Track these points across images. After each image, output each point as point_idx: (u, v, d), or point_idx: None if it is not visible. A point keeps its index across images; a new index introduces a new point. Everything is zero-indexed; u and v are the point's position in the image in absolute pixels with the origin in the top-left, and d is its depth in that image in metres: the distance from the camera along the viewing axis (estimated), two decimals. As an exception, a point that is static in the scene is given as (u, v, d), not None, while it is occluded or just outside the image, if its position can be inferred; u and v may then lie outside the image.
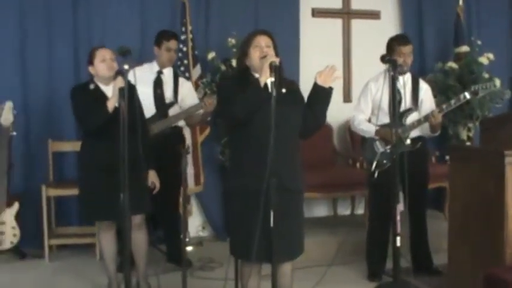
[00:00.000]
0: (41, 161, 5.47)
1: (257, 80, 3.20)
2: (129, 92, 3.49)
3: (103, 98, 3.95)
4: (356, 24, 6.54)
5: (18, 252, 5.19)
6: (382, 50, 4.45)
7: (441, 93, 5.90)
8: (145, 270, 4.21)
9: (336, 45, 6.47)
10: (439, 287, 4.42)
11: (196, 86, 5.41)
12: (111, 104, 3.85)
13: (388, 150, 4.48)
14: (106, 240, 4.18)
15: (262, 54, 3.25)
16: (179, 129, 4.97)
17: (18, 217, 5.09)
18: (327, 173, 5.86)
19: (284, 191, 3.17)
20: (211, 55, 5.61)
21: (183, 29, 5.50)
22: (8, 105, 5.00)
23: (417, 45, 6.26)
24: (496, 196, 3.63)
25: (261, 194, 3.03)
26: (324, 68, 3.32)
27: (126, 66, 3.37)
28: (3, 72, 5.41)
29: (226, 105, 3.27)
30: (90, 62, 4.05)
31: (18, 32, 5.44)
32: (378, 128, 4.52)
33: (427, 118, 4.47)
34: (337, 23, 6.52)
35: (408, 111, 4.55)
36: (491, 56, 6.12)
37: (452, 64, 6.16)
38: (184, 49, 5.45)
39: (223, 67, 5.46)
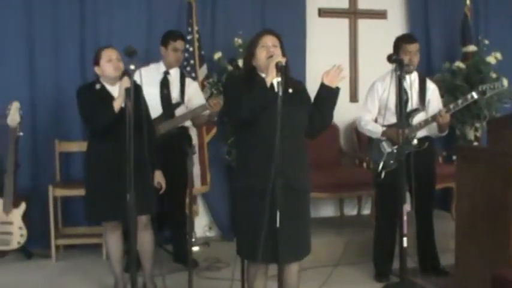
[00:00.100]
0: (47, 161, 5.48)
1: (263, 80, 3.20)
2: (135, 92, 3.49)
3: (109, 98, 3.95)
4: (362, 24, 6.52)
5: (25, 252, 5.20)
6: (389, 50, 4.44)
7: (448, 93, 5.88)
8: (151, 271, 4.21)
9: (342, 45, 6.46)
10: (446, 287, 4.40)
11: (203, 86, 5.41)
12: (117, 104, 3.85)
13: (395, 151, 4.47)
14: (112, 241, 4.18)
15: (268, 54, 3.25)
16: (185, 130, 4.97)
17: (25, 217, 5.10)
18: (334, 173, 5.84)
19: (290, 191, 3.17)
20: (217, 55, 5.61)
21: (190, 29, 5.50)
22: (15, 105, 5.02)
23: (424, 44, 6.24)
24: (503, 196, 3.61)
25: (267, 194, 3.03)
26: (331, 67, 3.32)
27: (132, 67, 3.37)
28: (11, 73, 5.42)
29: (233, 105, 3.27)
30: (96, 62, 4.06)
31: (26, 32, 5.46)
32: (384, 129, 4.52)
33: (434, 118, 4.45)
34: (344, 22, 6.50)
35: (415, 111, 4.53)
36: (498, 55, 6.09)
37: (459, 64, 6.14)
38: (191, 49, 5.45)
39: (229, 67, 5.47)
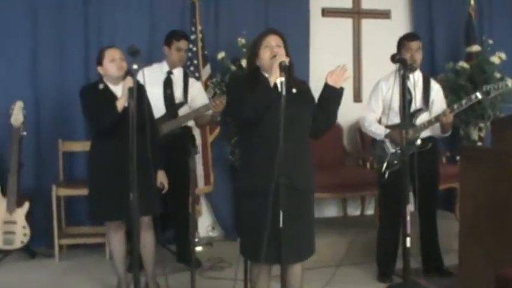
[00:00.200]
0: (51, 160, 5.48)
1: (267, 80, 3.20)
2: (138, 92, 3.49)
3: (112, 98, 3.95)
4: (366, 23, 6.52)
5: (29, 251, 5.21)
6: (393, 50, 4.44)
7: (452, 93, 5.87)
8: (153, 270, 4.21)
9: (346, 45, 6.45)
10: (450, 287, 4.38)
11: (206, 86, 5.40)
12: (121, 104, 3.85)
13: (399, 151, 4.45)
14: (116, 241, 4.18)
15: (272, 54, 3.24)
16: (189, 129, 4.96)
17: (28, 217, 5.11)
18: (337, 174, 5.84)
19: (294, 191, 3.17)
20: (221, 55, 5.61)
21: (193, 29, 5.49)
22: (18, 105, 5.03)
23: (428, 44, 6.25)
24: (507, 196, 3.61)
25: (270, 194, 3.02)
26: (335, 68, 3.31)
27: (135, 66, 3.36)
28: (14, 73, 5.43)
29: (236, 105, 3.26)
30: (99, 62, 4.05)
31: (29, 32, 5.46)
32: (387, 131, 4.50)
33: (438, 118, 4.44)
34: (347, 22, 6.50)
35: (418, 111, 4.52)
36: (503, 55, 6.08)
37: (463, 64, 6.12)
38: (194, 49, 5.44)
39: (233, 67, 5.47)
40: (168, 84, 4.90)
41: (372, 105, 4.68)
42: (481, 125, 6.11)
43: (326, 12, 6.40)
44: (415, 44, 4.52)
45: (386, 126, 4.53)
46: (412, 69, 4.42)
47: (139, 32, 5.59)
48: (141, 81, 3.81)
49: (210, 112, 4.82)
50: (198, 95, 4.99)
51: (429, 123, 4.49)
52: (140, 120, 3.40)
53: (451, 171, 5.42)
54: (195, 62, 5.45)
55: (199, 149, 5.26)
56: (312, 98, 3.42)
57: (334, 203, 6.44)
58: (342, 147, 6.37)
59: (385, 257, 4.67)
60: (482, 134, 6.14)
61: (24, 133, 5.10)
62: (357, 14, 6.51)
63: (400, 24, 6.49)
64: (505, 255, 3.60)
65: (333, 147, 6.15)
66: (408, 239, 3.94)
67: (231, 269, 4.70)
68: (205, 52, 5.55)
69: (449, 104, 4.71)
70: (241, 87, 3.31)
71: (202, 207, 5.87)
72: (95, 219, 4.76)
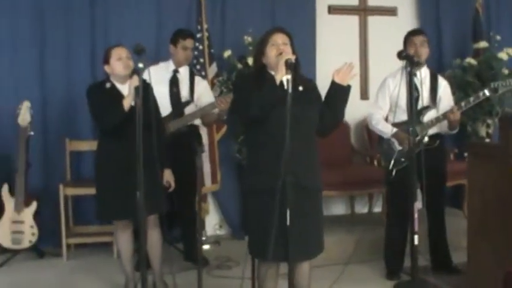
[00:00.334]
0: (58, 160, 5.49)
1: (273, 78, 3.20)
2: (145, 91, 3.49)
3: (119, 96, 3.95)
4: (373, 20, 6.50)
5: (37, 251, 5.22)
6: (399, 47, 4.42)
7: (460, 89, 5.85)
8: (160, 269, 4.21)
9: (352, 42, 6.44)
10: (458, 285, 4.36)
11: (213, 85, 5.40)
12: (127, 103, 3.85)
13: (406, 149, 4.44)
14: (123, 240, 4.18)
15: (278, 52, 3.23)
16: (195, 128, 4.96)
17: (36, 216, 5.12)
18: (344, 171, 5.83)
19: (301, 189, 3.15)
20: (227, 53, 5.61)
21: (199, 27, 5.49)
22: (26, 105, 5.04)
23: (435, 41, 6.23)
24: (515, 193, 3.59)
25: (277, 192, 3.02)
26: (342, 65, 3.30)
27: (140, 65, 3.37)
28: (21, 72, 5.44)
29: (243, 103, 3.25)
30: (106, 61, 4.05)
31: (36, 31, 5.47)
32: (394, 131, 4.49)
33: (445, 116, 4.43)
34: (354, 19, 6.48)
35: (426, 108, 4.50)
36: (510, 51, 6.04)
37: (470, 60, 6.09)
38: (200, 47, 5.43)
39: (239, 65, 5.46)
40: (174, 82, 4.90)
41: (379, 103, 4.67)
42: (489, 121, 6.08)
43: (332, 10, 6.38)
44: (419, 39, 4.51)
45: (393, 124, 4.52)
46: (419, 66, 4.40)
47: (145, 31, 5.59)
48: (148, 80, 3.82)
49: (216, 110, 4.81)
50: (204, 94, 4.98)
51: (437, 121, 4.47)
52: (147, 119, 3.41)
53: (459, 167, 5.40)
54: (202, 60, 5.44)
55: (206, 147, 5.27)
56: (319, 95, 3.41)
57: (342, 200, 6.44)
58: (349, 144, 6.35)
59: (393, 255, 4.65)
60: (490, 131, 6.12)
61: (32, 133, 5.10)
62: (363, 11, 6.49)
63: (406, 21, 6.46)
64: (514, 252, 3.59)
65: (340, 145, 6.14)
66: (416, 237, 3.94)
67: (238, 267, 4.70)
68: (212, 50, 5.54)
69: (457, 101, 4.69)
70: (247, 85, 3.30)
71: (210, 206, 5.87)
72: (103, 219, 4.77)
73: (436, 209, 4.55)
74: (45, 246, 5.30)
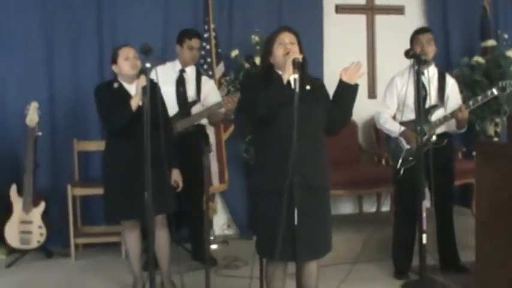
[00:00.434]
0: (66, 160, 5.51)
1: (280, 77, 3.19)
2: (152, 91, 3.49)
3: (127, 96, 3.95)
4: (380, 19, 6.49)
5: (45, 251, 5.24)
6: (407, 45, 4.41)
7: (467, 88, 5.83)
8: (168, 269, 4.21)
9: (359, 41, 6.43)
10: (466, 284, 4.35)
11: (220, 84, 5.40)
12: (135, 103, 3.85)
13: (414, 147, 4.43)
14: (131, 240, 4.19)
15: (285, 51, 3.23)
16: (202, 128, 4.97)
17: (44, 216, 5.13)
18: (352, 170, 5.82)
19: (308, 189, 3.15)
20: (234, 53, 5.61)
21: (206, 27, 5.49)
22: (34, 105, 5.05)
23: (442, 39, 6.21)
24: (524, 192, 3.58)
25: (285, 192, 3.01)
26: (349, 64, 3.29)
27: (148, 65, 3.37)
28: (29, 73, 5.47)
29: (250, 103, 3.25)
30: (114, 60, 4.06)
31: (43, 32, 5.50)
32: (402, 130, 4.47)
33: (453, 114, 4.41)
34: (361, 18, 6.48)
35: (434, 107, 4.49)
36: (519, 49, 6.03)
37: (478, 58, 6.07)
38: (208, 47, 5.44)
39: (246, 65, 5.46)
40: (180, 82, 4.90)
41: (387, 102, 4.65)
42: (497, 120, 6.06)
43: (340, 9, 6.38)
44: (425, 37, 4.49)
45: (401, 123, 4.50)
46: (426, 64, 4.38)
47: (153, 30, 5.61)
48: (155, 80, 3.82)
49: (222, 110, 4.81)
50: (210, 93, 4.99)
51: (444, 119, 4.46)
52: (154, 119, 3.41)
53: (467, 166, 5.38)
54: (209, 60, 5.45)
55: (214, 147, 5.26)
56: (327, 94, 3.40)
57: (350, 199, 6.43)
58: (357, 143, 6.35)
59: (401, 254, 4.64)
60: (498, 129, 6.10)
61: (40, 133, 5.13)
62: (370, 10, 6.48)
63: (414, 19, 6.44)
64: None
65: (348, 144, 6.13)
66: (424, 236, 3.92)
67: (246, 267, 4.70)
68: (219, 50, 5.55)
69: (465, 100, 4.67)
70: (254, 84, 3.29)
71: (218, 205, 5.88)
72: (110, 219, 4.77)
73: (444, 207, 4.53)
74: (54, 246, 5.31)
